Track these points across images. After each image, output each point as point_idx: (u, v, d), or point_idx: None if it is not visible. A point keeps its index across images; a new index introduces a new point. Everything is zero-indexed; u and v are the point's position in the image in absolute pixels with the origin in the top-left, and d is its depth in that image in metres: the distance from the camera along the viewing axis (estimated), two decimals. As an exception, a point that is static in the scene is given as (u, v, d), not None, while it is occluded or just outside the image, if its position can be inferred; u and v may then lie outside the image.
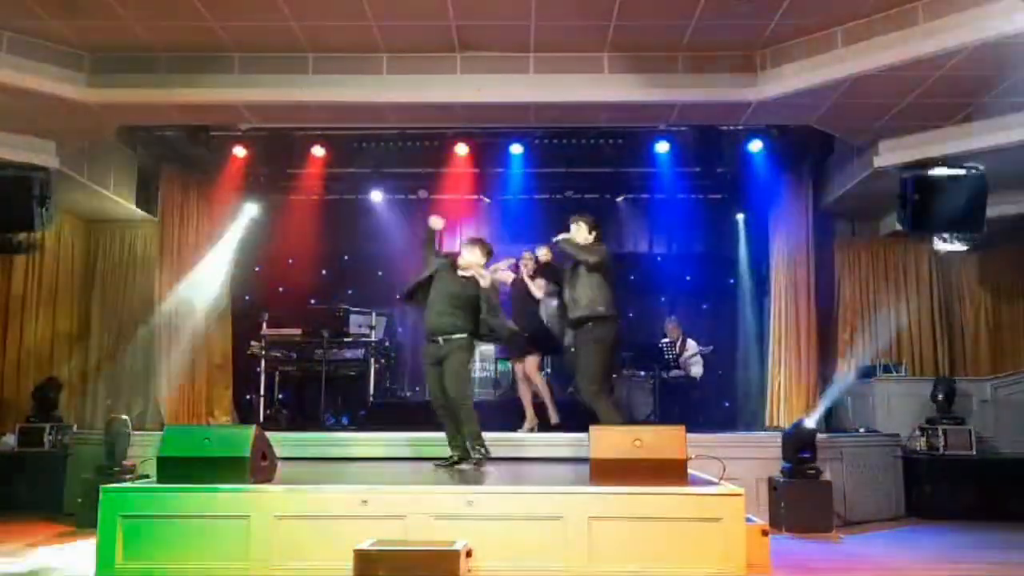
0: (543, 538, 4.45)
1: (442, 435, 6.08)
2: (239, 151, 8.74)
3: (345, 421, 9.08)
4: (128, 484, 5.37)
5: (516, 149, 8.79)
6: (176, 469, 4.74)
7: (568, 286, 6.30)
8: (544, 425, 7.55)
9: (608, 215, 10.10)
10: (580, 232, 6.32)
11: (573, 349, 6.30)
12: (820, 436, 7.04)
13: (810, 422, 7.26)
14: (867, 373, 9.16)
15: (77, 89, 6.83)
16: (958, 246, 8.08)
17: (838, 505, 6.81)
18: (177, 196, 9.10)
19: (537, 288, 7.43)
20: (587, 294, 6.12)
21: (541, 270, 7.50)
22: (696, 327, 9.69)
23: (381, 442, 6.84)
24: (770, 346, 9.24)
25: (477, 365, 9.42)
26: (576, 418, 6.68)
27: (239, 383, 9.47)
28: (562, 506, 4.50)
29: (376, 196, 10.25)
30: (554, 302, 7.33)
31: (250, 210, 10.00)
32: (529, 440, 7.02)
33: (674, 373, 9.29)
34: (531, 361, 7.65)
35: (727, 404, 9.88)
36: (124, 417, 6.90)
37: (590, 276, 6.17)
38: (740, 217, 10.06)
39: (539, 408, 7.65)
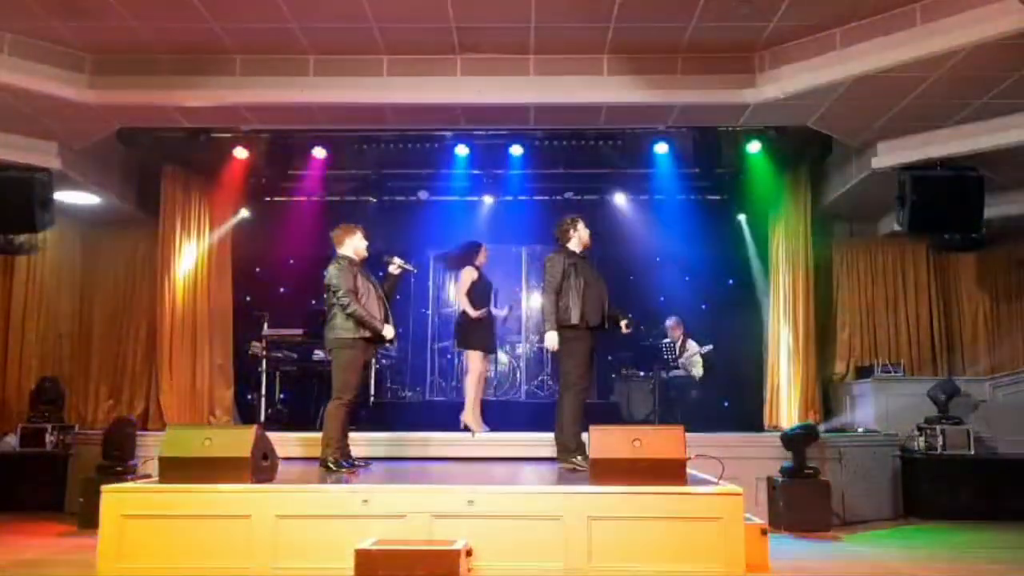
0: (543, 538, 4.46)
1: (442, 435, 6.07)
2: (240, 152, 8.71)
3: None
4: (130, 484, 5.38)
5: (516, 150, 8.80)
6: (178, 469, 4.76)
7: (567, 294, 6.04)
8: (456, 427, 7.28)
9: (607, 216, 10.09)
10: (581, 234, 6.18)
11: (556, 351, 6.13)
12: (819, 436, 7.06)
13: (809, 422, 7.28)
14: (865, 373, 9.19)
15: (79, 90, 6.85)
16: (956, 246, 8.11)
17: (836, 505, 6.84)
18: (178, 197, 9.08)
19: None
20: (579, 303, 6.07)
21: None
22: (695, 327, 9.69)
23: (381, 442, 6.87)
24: (769, 346, 9.27)
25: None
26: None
27: (240, 383, 9.47)
28: (562, 506, 4.52)
29: (376, 197, 10.25)
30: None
31: (251, 211, 10.02)
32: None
33: (673, 373, 9.31)
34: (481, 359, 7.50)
35: (726, 404, 9.89)
36: (125, 417, 6.92)
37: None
38: (739, 218, 10.07)
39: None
